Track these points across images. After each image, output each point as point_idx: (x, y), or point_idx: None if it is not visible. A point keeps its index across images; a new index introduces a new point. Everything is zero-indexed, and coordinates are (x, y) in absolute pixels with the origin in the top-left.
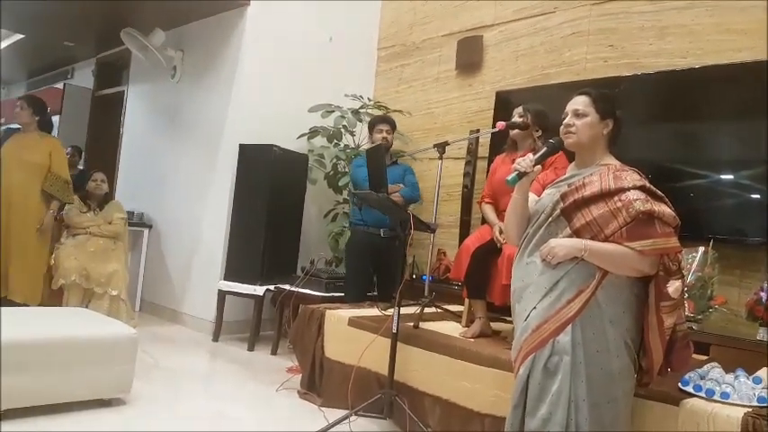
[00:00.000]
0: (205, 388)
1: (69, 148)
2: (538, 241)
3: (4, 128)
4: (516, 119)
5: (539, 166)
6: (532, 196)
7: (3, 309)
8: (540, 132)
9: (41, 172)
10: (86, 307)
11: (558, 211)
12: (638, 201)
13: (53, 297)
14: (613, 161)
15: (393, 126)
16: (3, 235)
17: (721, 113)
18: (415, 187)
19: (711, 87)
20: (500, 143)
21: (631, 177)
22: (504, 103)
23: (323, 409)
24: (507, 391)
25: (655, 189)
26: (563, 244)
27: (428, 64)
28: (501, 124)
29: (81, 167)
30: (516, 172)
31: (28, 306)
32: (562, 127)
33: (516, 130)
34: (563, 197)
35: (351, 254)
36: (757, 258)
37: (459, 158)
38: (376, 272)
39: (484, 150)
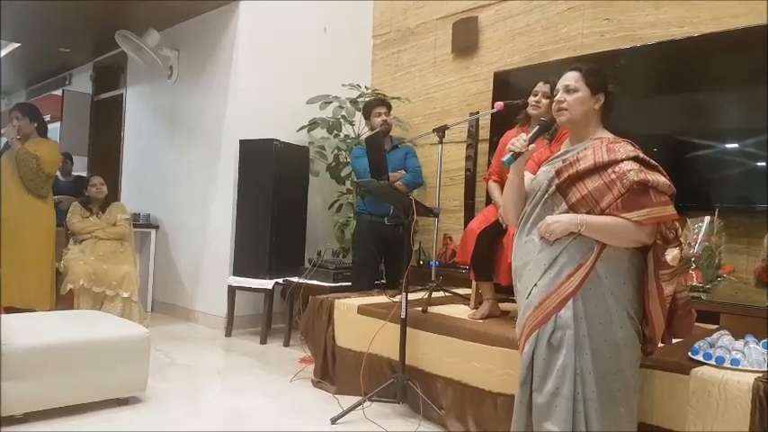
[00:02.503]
0: (220, 382)
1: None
2: (535, 219)
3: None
4: (541, 98)
5: (533, 146)
6: (528, 175)
7: (17, 315)
8: None
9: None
10: (99, 310)
11: (553, 187)
12: (631, 171)
13: (63, 302)
14: (607, 134)
15: (389, 107)
16: (3, 243)
17: (723, 82)
18: (418, 172)
19: (711, 55)
20: (500, 124)
21: (624, 149)
22: (502, 84)
23: (337, 396)
24: (517, 369)
25: (648, 159)
26: (560, 220)
27: (424, 48)
28: (499, 104)
29: (75, 174)
30: (511, 153)
31: (34, 312)
32: (554, 104)
33: (536, 110)
34: (558, 173)
35: (357, 243)
36: (764, 225)
37: (460, 142)
38: (383, 260)
39: (485, 132)
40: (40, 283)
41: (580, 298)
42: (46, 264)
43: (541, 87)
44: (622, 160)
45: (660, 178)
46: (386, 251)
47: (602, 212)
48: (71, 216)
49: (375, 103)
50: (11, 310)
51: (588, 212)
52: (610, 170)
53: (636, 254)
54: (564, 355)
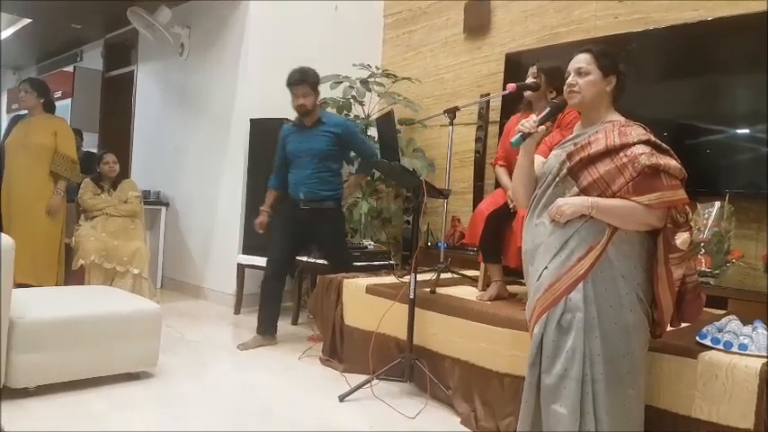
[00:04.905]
0: (229, 358)
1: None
2: (546, 202)
3: (12, 114)
4: (530, 80)
5: (542, 127)
6: (539, 158)
7: (30, 289)
8: (554, 94)
9: (48, 153)
10: (110, 286)
11: (564, 170)
12: (643, 155)
13: (73, 278)
14: (618, 117)
15: (312, 84)
16: (11, 219)
17: (735, 66)
18: (368, 147)
19: (724, 40)
20: (511, 106)
21: (636, 132)
22: (514, 65)
23: (345, 374)
24: (524, 350)
25: (660, 142)
26: (571, 202)
27: (436, 29)
28: (511, 86)
29: (85, 150)
30: (520, 133)
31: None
32: (566, 86)
33: (530, 92)
34: (569, 156)
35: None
36: None
37: (470, 124)
38: (308, 243)
39: (495, 114)
40: (46, 261)
41: (591, 281)
42: (53, 241)
43: (531, 71)
44: (634, 144)
45: (671, 162)
46: (305, 235)
47: (613, 196)
48: (83, 193)
49: (291, 81)
50: (21, 286)
51: (599, 196)
52: (621, 154)
53: (647, 237)
54: (573, 337)
